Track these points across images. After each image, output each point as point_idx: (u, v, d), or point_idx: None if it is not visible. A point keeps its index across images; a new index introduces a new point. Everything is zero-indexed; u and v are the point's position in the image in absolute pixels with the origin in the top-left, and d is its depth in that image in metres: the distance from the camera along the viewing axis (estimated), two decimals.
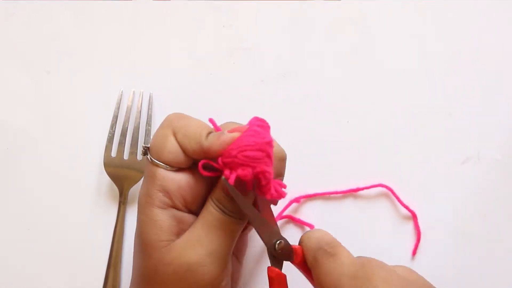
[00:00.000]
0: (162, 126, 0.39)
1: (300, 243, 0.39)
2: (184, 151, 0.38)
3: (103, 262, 0.48)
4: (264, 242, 0.38)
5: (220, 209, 0.38)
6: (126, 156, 0.49)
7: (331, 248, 0.37)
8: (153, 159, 0.38)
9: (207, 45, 0.52)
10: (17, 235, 0.49)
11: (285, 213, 0.49)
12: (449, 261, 0.48)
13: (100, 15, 0.52)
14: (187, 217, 0.39)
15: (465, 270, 0.48)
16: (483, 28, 0.52)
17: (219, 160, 0.37)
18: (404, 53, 0.51)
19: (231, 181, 0.36)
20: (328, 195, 0.49)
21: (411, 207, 0.49)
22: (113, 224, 0.48)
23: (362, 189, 0.49)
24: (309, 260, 0.38)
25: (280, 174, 0.40)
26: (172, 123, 0.38)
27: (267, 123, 0.39)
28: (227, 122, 0.40)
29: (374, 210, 0.49)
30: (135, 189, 0.49)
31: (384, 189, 0.49)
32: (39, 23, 0.52)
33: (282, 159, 0.40)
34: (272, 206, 0.40)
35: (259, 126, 0.38)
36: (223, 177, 0.37)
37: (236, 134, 0.37)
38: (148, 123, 0.50)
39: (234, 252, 0.42)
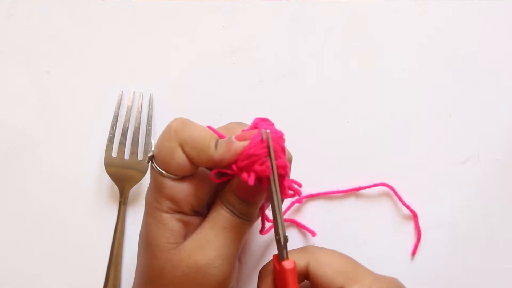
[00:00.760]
0: (166, 137, 0.38)
1: None
2: (191, 161, 0.38)
3: (103, 262, 0.48)
4: (279, 235, 0.38)
5: (230, 211, 0.38)
6: (126, 156, 0.49)
7: None
8: (159, 169, 0.38)
9: (207, 45, 0.52)
10: (18, 235, 0.49)
11: (288, 213, 0.49)
12: (449, 261, 0.48)
13: (100, 15, 0.52)
14: (193, 219, 0.39)
15: (465, 270, 0.48)
16: (483, 28, 0.52)
17: (233, 166, 0.37)
18: (404, 53, 0.51)
19: (251, 181, 0.36)
20: (329, 195, 0.49)
21: (411, 207, 0.49)
22: (114, 224, 0.48)
23: (364, 188, 0.49)
24: None
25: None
26: (177, 134, 0.38)
27: (271, 122, 0.39)
28: (231, 123, 0.40)
29: (376, 210, 0.49)
30: (136, 189, 0.49)
31: (385, 189, 0.49)
32: (38, 23, 0.52)
33: (288, 160, 0.40)
34: None
35: (268, 125, 0.38)
36: (238, 179, 0.37)
37: (245, 143, 0.37)
38: (149, 123, 0.50)
39: None
